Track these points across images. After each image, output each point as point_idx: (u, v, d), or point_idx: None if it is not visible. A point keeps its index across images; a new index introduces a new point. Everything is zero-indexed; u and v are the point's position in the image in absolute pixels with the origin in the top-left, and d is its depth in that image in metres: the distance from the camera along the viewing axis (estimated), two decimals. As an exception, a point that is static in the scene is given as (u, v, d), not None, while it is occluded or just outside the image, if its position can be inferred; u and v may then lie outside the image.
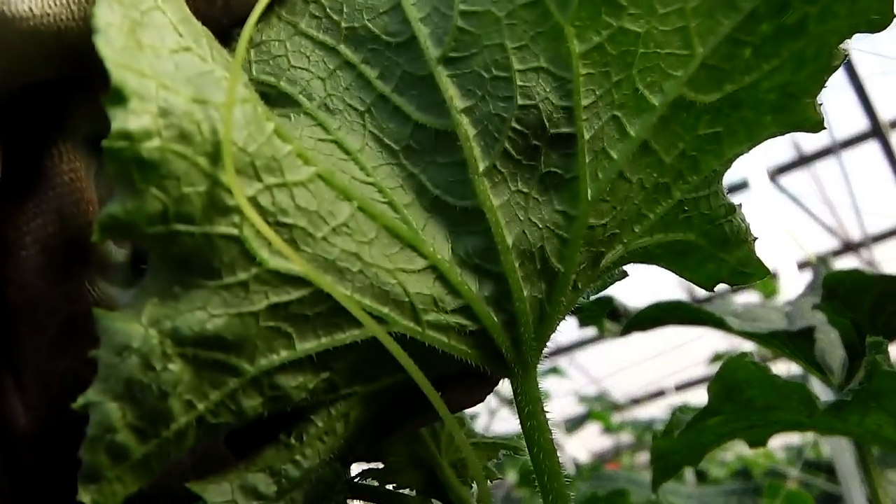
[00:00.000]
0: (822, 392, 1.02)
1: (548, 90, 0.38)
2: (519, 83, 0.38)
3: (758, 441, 0.82)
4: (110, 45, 0.31)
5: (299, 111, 0.39)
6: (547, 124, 0.39)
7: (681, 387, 6.00)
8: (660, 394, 6.12)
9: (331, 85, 0.40)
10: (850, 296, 0.84)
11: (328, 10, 0.40)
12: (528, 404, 0.41)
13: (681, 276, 0.50)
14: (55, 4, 0.35)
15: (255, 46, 0.40)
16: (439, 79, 0.39)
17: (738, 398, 0.69)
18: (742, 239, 0.48)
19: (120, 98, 0.30)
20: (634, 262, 0.47)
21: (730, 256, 0.48)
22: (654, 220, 0.44)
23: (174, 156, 0.32)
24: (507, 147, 0.39)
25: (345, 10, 0.40)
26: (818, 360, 0.88)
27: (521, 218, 0.39)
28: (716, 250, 0.48)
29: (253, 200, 0.34)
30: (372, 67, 0.40)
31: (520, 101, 0.38)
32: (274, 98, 0.39)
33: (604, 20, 0.38)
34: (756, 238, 0.48)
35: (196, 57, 0.34)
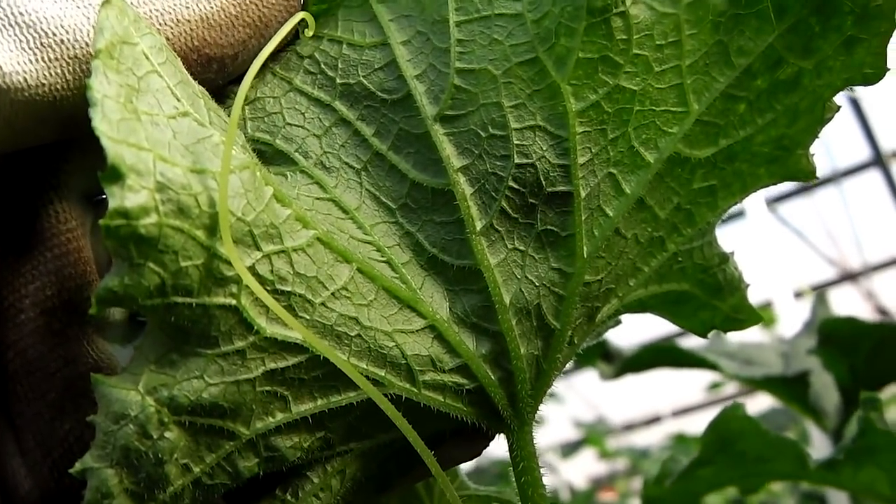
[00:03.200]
0: (815, 435, 1.02)
1: (545, 148, 0.38)
2: (516, 142, 0.38)
3: (750, 489, 0.82)
4: (106, 120, 0.31)
5: (296, 169, 0.39)
6: (544, 182, 0.39)
7: (678, 412, 5.98)
8: (656, 419, 6.10)
9: (326, 142, 0.40)
10: (847, 342, 0.84)
11: (323, 65, 0.40)
12: (523, 459, 0.41)
13: (675, 324, 0.50)
14: (50, 75, 0.35)
15: (250, 103, 0.40)
16: (436, 137, 0.39)
17: (731, 449, 0.69)
18: (735, 287, 0.48)
19: (117, 176, 0.30)
20: (629, 312, 0.47)
21: (723, 304, 0.48)
22: (649, 273, 0.44)
23: (172, 230, 0.31)
24: (504, 206, 0.39)
25: (339, 65, 0.40)
26: (812, 403, 0.88)
27: (518, 276, 0.39)
28: (709, 298, 0.48)
29: (251, 269, 0.34)
30: (368, 125, 0.40)
31: (517, 160, 0.38)
32: (270, 156, 0.39)
33: (600, 78, 0.38)
34: (749, 285, 0.48)
35: (194, 122, 0.34)
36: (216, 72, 0.39)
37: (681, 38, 0.39)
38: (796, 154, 0.43)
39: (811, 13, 0.39)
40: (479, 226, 0.39)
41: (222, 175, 0.33)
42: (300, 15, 0.36)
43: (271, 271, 0.34)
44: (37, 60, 0.34)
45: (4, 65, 0.33)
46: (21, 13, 0.34)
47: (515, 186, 0.39)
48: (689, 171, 0.41)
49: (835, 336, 0.84)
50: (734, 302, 0.48)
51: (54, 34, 0.35)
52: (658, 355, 1.02)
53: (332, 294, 0.36)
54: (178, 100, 0.34)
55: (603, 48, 0.38)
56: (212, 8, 0.38)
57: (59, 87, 0.35)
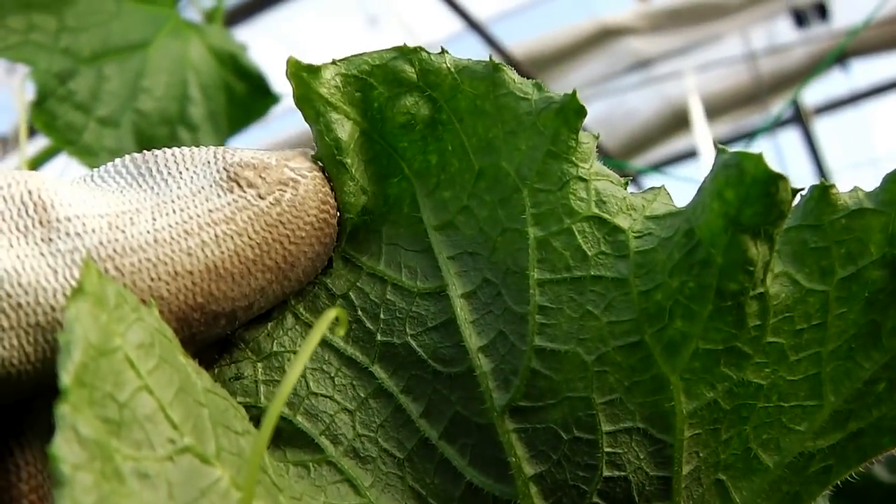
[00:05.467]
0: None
1: (642, 457, 0.30)
2: (606, 449, 0.30)
3: None
4: None
5: (321, 460, 0.30)
6: (637, 499, 0.30)
7: None
8: None
9: (361, 420, 0.31)
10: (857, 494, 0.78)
11: (360, 312, 0.31)
12: None
13: None
14: (3, 348, 0.26)
15: (265, 358, 0.31)
16: (503, 433, 0.30)
17: None
18: None
19: None
20: None
21: None
22: None
23: None
24: None
25: (382, 315, 0.31)
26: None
27: None
28: None
29: None
30: (415, 401, 0.31)
31: (605, 472, 0.30)
32: (288, 436, 0.30)
33: (722, 372, 0.30)
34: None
35: (195, 458, 0.25)
36: (224, 326, 0.30)
37: (827, 320, 0.30)
38: None
39: None
40: (551, 552, 0.30)
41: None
42: (333, 313, 0.26)
43: None
44: None
45: None
46: None
47: (600, 503, 0.30)
48: (807, 459, 0.33)
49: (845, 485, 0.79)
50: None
51: (8, 296, 0.26)
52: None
53: None
54: (175, 427, 0.25)
55: (730, 337, 0.29)
56: (222, 254, 0.28)
57: (15, 361, 0.27)
